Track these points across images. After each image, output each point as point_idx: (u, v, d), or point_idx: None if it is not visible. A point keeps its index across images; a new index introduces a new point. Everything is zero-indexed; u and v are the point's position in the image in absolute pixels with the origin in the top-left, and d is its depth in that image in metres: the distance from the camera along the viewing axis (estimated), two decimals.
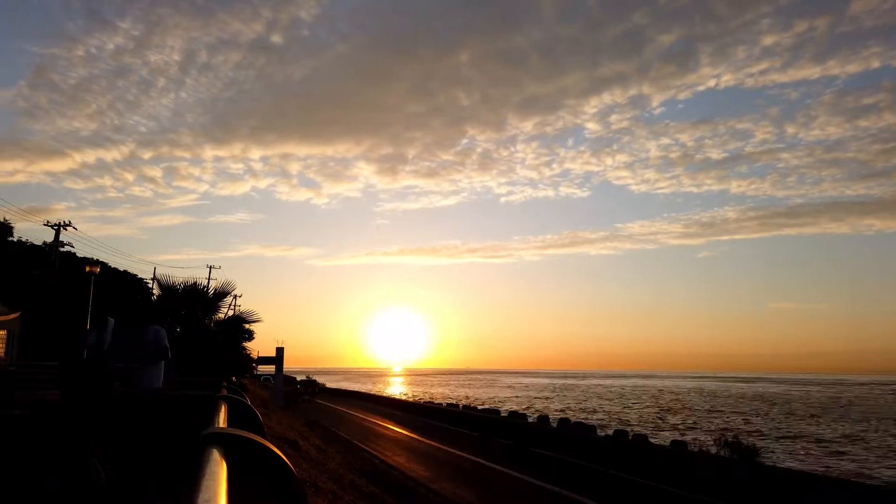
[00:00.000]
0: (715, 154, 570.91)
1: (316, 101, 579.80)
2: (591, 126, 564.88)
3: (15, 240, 38.69)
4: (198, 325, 18.54)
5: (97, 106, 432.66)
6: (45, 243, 37.80)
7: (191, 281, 19.09)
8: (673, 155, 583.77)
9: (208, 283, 22.83)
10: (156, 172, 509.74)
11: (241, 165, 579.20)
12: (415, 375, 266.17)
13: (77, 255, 39.22)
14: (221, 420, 3.20)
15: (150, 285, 42.77)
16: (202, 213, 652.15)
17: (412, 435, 24.75)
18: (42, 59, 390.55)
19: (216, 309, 19.78)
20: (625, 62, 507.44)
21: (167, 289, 18.68)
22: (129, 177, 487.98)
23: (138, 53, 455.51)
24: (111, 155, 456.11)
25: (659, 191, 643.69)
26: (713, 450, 20.04)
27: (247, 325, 22.62)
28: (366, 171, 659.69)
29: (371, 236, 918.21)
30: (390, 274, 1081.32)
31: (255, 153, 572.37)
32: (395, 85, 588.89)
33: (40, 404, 12.18)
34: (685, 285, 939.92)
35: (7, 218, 38.67)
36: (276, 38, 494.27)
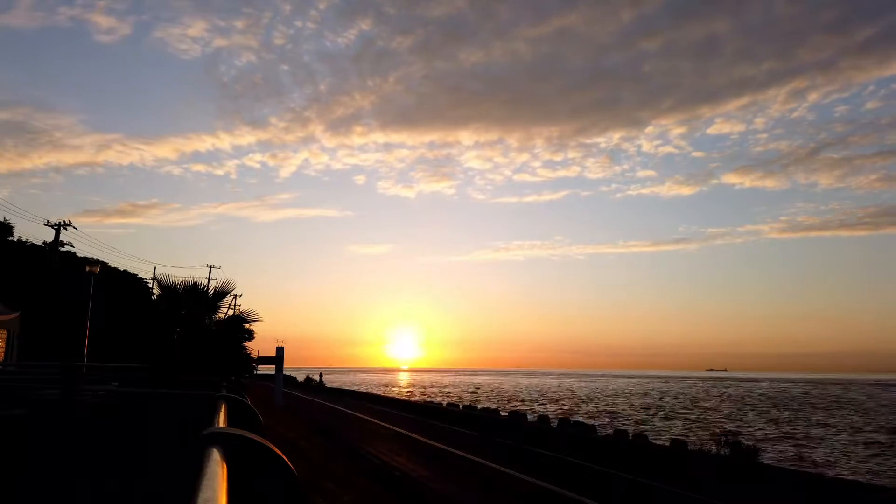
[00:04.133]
0: (845, 152, 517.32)
1: (469, 93, 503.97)
2: (732, 122, 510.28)
3: (15, 240, 38.68)
4: (198, 325, 18.55)
5: (242, 99, 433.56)
6: (45, 243, 37.81)
7: (191, 281, 19.09)
8: (801, 151, 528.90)
9: (208, 282, 22.82)
10: (259, 168, 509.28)
11: (354, 159, 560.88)
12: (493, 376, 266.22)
13: (77, 254, 39.25)
14: (221, 420, 3.20)
15: (150, 285, 42.80)
16: (300, 207, 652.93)
17: (412, 434, 24.76)
18: (213, 49, 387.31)
19: (216, 309, 19.79)
20: (821, 52, 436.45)
21: (167, 289, 18.67)
22: (232, 171, 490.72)
23: (317, 38, 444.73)
24: (227, 146, 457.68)
25: (767, 189, 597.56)
26: (713, 449, 20.07)
27: (247, 325, 22.66)
28: (475, 166, 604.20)
29: (450, 235, 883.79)
30: (454, 272, 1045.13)
31: (372, 145, 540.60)
32: (561, 77, 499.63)
33: (40, 404, 12.17)
34: (778, 283, 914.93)
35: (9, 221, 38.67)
36: (470, 16, 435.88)
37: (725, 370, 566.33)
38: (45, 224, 35.55)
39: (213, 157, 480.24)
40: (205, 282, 22.65)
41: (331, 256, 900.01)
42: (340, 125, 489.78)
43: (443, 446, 21.17)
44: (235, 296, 36.74)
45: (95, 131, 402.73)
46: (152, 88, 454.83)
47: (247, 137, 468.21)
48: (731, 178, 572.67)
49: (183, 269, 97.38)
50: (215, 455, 1.39)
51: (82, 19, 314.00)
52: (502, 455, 19.09)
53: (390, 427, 28.19)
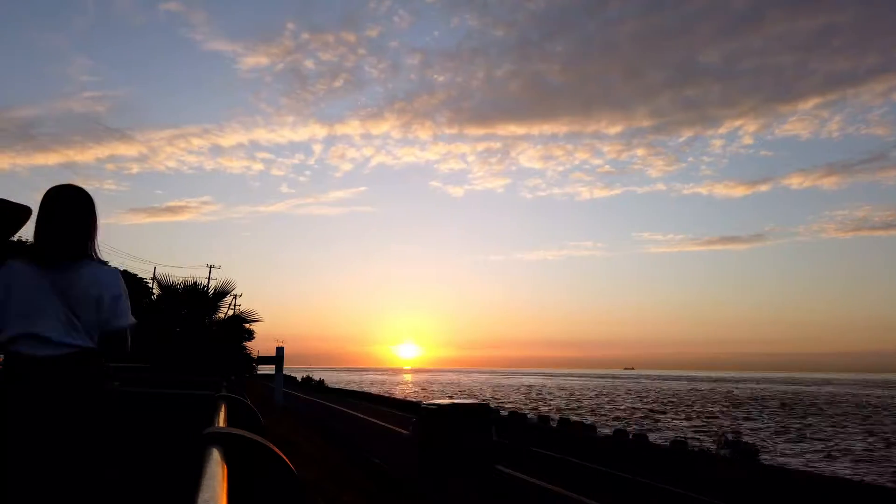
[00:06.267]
0: None
1: (551, 89, 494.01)
2: (806, 121, 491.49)
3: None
4: (198, 325, 18.54)
5: (320, 94, 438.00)
6: None
7: (190, 281, 19.07)
8: (871, 153, 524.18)
9: (208, 282, 22.80)
10: (317, 167, 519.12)
11: (413, 158, 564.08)
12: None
13: None
14: (221, 420, 3.19)
15: (150, 285, 42.75)
16: (351, 206, 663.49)
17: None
18: (301, 41, 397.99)
19: (216, 309, 19.75)
20: None
21: (167, 288, 18.65)
22: (290, 170, 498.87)
23: (412, 32, 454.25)
24: (288, 143, 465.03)
25: (823, 188, 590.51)
26: (713, 449, 20.10)
27: (247, 325, 22.62)
28: (533, 166, 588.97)
29: (493, 233, 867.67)
30: (489, 272, 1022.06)
31: (437, 143, 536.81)
32: (653, 73, 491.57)
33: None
34: (833, 282, 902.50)
35: None
36: (575, 9, 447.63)
37: (633, 368, 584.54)
38: None
39: (275, 152, 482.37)
40: (205, 281, 22.64)
41: (369, 255, 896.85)
42: (413, 122, 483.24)
43: None
44: (235, 296, 36.69)
45: (167, 127, 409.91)
46: (232, 85, 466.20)
47: (314, 133, 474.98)
48: (792, 178, 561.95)
49: (183, 269, 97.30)
50: (215, 455, 1.39)
51: (177, 13, 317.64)
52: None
53: (390, 426, 28.18)
